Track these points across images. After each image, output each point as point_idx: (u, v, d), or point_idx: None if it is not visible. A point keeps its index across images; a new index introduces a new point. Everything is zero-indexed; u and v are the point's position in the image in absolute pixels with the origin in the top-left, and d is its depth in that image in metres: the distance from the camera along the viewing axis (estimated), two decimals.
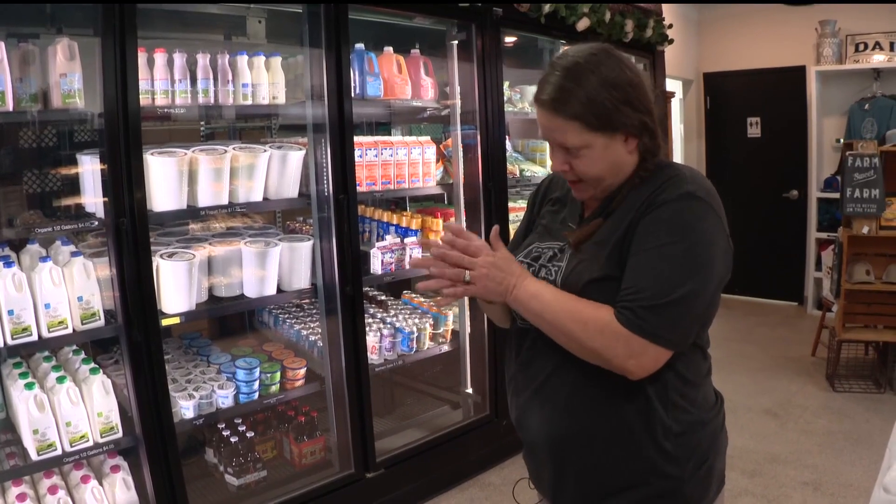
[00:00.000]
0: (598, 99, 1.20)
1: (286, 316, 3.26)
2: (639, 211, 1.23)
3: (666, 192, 1.22)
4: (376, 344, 3.01)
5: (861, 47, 5.70)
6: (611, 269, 1.23)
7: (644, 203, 1.23)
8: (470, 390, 3.45)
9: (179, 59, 2.39)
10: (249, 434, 2.83)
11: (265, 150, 2.60)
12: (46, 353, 2.37)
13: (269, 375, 2.71)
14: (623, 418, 1.26)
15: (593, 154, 1.24)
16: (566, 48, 1.35)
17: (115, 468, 2.29)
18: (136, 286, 2.18)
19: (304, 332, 3.06)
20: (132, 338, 2.19)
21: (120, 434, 2.24)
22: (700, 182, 1.24)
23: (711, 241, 1.20)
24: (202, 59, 2.45)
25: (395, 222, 3.26)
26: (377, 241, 3.13)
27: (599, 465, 1.29)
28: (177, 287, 2.40)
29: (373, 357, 2.97)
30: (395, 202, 3.71)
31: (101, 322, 2.20)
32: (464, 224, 3.37)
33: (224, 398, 2.57)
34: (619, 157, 1.27)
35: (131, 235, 2.16)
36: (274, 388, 2.74)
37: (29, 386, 2.09)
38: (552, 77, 1.24)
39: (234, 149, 2.54)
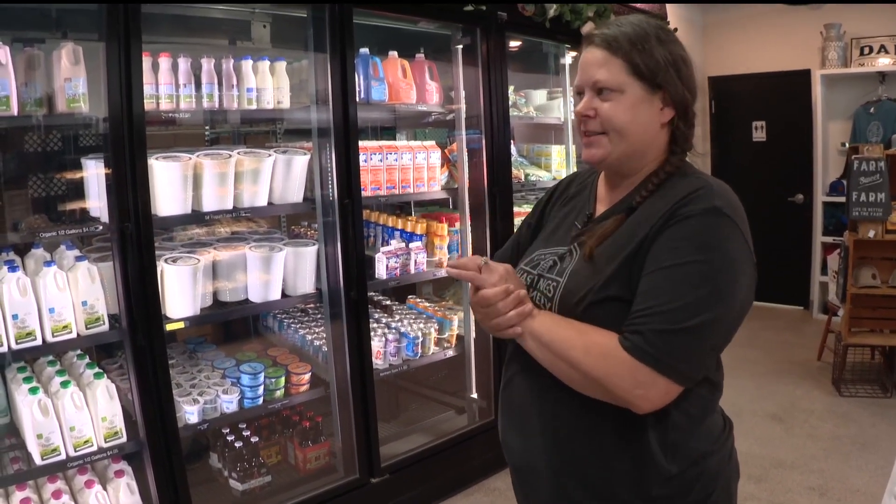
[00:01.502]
0: (651, 52, 1.18)
1: (291, 321, 3.25)
2: (657, 224, 1.11)
3: (690, 204, 1.10)
4: (381, 349, 3.00)
5: (866, 50, 5.68)
6: (617, 288, 1.12)
7: (664, 216, 1.11)
8: (475, 395, 3.44)
9: (184, 63, 2.40)
10: (254, 439, 2.83)
11: (270, 155, 2.60)
12: (51, 358, 2.37)
13: (273, 380, 2.70)
14: (616, 454, 1.15)
15: (624, 101, 1.17)
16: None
17: (120, 473, 2.28)
18: (140, 291, 2.18)
19: (309, 337, 3.05)
20: (136, 342, 2.18)
21: (124, 439, 2.23)
22: (729, 198, 1.13)
23: (736, 265, 1.09)
24: (207, 64, 2.45)
25: (400, 227, 3.26)
26: (382, 245, 3.12)
27: (591, 496, 1.19)
28: (181, 292, 2.40)
29: (377, 362, 2.96)
30: (400, 207, 3.71)
31: (106, 327, 2.20)
32: (468, 229, 3.37)
33: (228, 403, 2.56)
34: (649, 120, 1.20)
35: (136, 240, 2.16)
36: (278, 393, 2.73)
37: (33, 391, 2.09)
38: (612, 24, 1.22)
39: (238, 153, 2.54)
